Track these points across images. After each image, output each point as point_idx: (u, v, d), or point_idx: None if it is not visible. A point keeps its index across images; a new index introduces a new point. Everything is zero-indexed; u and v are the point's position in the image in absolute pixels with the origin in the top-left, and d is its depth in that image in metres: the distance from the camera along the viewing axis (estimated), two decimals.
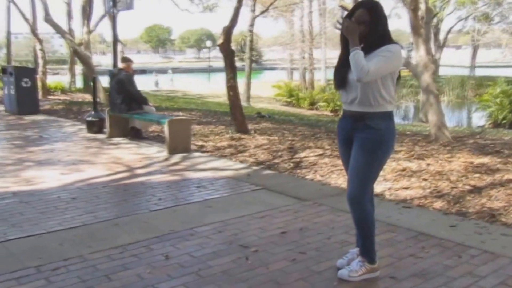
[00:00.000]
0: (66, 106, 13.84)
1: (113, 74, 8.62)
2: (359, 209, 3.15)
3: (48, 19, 14.31)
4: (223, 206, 4.78)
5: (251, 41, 22.01)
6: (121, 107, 8.30)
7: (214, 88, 34.91)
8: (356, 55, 2.90)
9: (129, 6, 9.60)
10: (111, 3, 9.73)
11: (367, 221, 3.18)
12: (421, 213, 4.57)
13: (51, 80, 21.99)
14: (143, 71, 54.89)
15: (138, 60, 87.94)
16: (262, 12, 22.31)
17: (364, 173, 3.10)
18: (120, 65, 8.71)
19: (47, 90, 18.23)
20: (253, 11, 21.10)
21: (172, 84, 39.55)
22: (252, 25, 21.27)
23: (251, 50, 23.12)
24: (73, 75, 24.05)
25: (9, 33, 30.38)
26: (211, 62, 59.55)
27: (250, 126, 9.81)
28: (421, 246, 3.76)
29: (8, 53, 31.22)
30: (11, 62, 32.91)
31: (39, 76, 18.02)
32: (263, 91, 31.40)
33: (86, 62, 14.42)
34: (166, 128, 7.35)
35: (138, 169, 6.41)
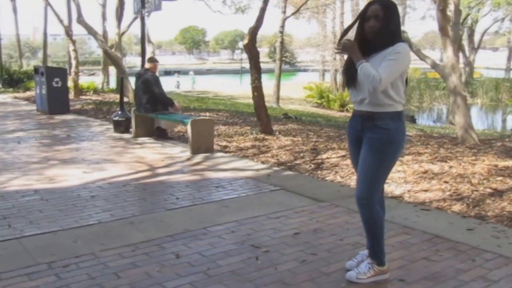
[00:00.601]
0: (96, 106, 14.07)
1: (140, 75, 8.72)
2: (368, 210, 3.10)
3: (80, 20, 14.61)
4: (239, 206, 4.77)
5: (282, 42, 21.95)
6: (146, 107, 8.38)
7: (245, 89, 34.95)
8: (363, 67, 2.90)
9: (157, 7, 9.71)
10: (139, 4, 9.85)
11: (376, 222, 3.14)
12: (439, 216, 4.46)
13: (85, 81, 22.49)
14: (167, 72, 55.56)
15: (173, 61, 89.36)
16: (293, 13, 22.26)
17: (372, 173, 3.05)
18: (147, 65, 8.80)
19: (80, 90, 18.59)
20: (284, 12, 21.04)
21: (194, 85, 39.73)
22: (282, 26, 21.21)
23: (281, 51, 23.05)
24: (106, 75, 24.48)
25: (45, 34, 31.19)
26: (243, 63, 59.72)
27: (275, 127, 9.78)
28: (435, 249, 3.67)
29: (44, 54, 32.06)
30: (47, 62, 33.71)
31: (71, 77, 18.46)
32: (294, 92, 31.31)
33: (116, 63, 14.66)
34: (189, 128, 7.38)
35: (159, 169, 6.46)
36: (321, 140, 8.43)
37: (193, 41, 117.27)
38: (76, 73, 18.27)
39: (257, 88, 8.64)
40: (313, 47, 36.45)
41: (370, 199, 3.09)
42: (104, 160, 6.98)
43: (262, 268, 3.35)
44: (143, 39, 10.04)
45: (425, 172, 5.91)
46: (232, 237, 3.95)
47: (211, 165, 6.63)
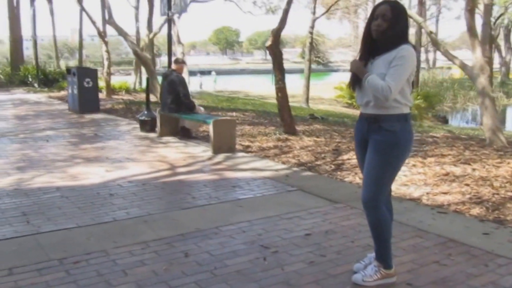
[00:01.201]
0: (125, 106, 14.31)
1: (166, 75, 8.83)
2: (374, 212, 3.07)
3: (111, 21, 14.88)
4: (253, 206, 4.77)
5: (311, 43, 21.85)
6: (170, 107, 8.48)
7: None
8: (370, 80, 2.91)
9: (183, 9, 9.84)
10: (166, 6, 9.97)
11: (382, 224, 3.09)
12: (455, 219, 4.37)
13: (119, 81, 22.88)
14: (192, 73, 55.89)
15: (207, 62, 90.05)
16: (322, 14, 22.15)
17: (378, 175, 3.02)
18: (173, 66, 8.90)
19: (112, 90, 18.94)
20: (314, 13, 20.95)
21: (215, 85, 39.88)
22: (312, 27, 21.11)
23: (310, 52, 22.95)
24: (138, 75, 24.86)
25: (80, 35, 31.94)
26: (269, 64, 59.68)
27: (300, 128, 9.76)
28: (447, 253, 3.60)
29: (80, 54, 32.86)
30: (86, 63, 34.36)
31: (104, 77, 18.83)
32: (325, 92, 31.15)
33: (145, 63, 14.88)
34: (210, 128, 7.43)
35: (180, 168, 6.52)
36: (345, 141, 8.36)
37: (226, 41, 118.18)
38: (108, 73, 18.60)
39: (280, 89, 8.63)
40: (345, 47, 36.18)
41: (376, 201, 3.05)
42: (127, 159, 7.09)
43: (269, 269, 3.35)
44: (170, 40, 10.15)
45: (447, 174, 5.79)
46: (243, 237, 3.96)
47: (231, 165, 6.66)
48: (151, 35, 19.83)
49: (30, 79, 23.87)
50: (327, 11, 22.32)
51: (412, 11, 14.46)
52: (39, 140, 8.70)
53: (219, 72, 53.02)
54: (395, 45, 2.91)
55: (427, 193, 5.15)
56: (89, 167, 6.54)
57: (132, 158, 7.12)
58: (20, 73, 24.84)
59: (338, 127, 10.66)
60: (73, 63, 50.04)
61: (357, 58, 3.11)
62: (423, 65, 39.26)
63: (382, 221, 3.09)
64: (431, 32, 9.93)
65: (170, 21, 10.12)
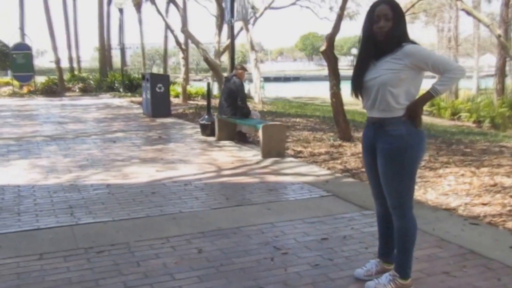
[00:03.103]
0: (196, 111, 14.85)
1: (226, 80, 9.15)
2: (401, 220, 3.01)
3: (184, 30, 15.53)
4: (280, 209, 4.88)
5: None
6: (226, 111, 8.77)
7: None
8: (440, 89, 2.85)
9: (244, 17, 10.11)
10: (229, 14, 10.31)
11: (409, 233, 3.02)
12: (486, 231, 4.22)
13: (196, 87, 23.72)
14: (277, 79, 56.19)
15: (293, 68, 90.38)
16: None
17: (398, 184, 2.96)
18: (234, 72, 9.19)
19: (188, 96, 19.69)
20: None
21: (263, 92, 39.77)
22: None
23: None
24: (215, 81, 25.57)
25: (165, 43, 33.38)
26: None
27: (358, 134, 9.68)
28: (462, 265, 3.51)
29: (165, 61, 34.32)
30: (172, 70, 35.67)
31: (180, 83, 19.62)
32: None
33: (215, 69, 15.38)
34: (260, 133, 7.61)
35: (226, 170, 6.75)
36: None
37: (313, 47, 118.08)
38: (185, 79, 19.37)
39: (335, 94, 8.64)
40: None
41: (403, 209, 3.00)
42: (179, 160, 7.44)
43: (272, 269, 3.46)
44: (233, 47, 10.48)
45: (494, 185, 5.57)
46: (259, 237, 4.09)
47: (276, 169, 6.79)
48: (227, 42, 20.43)
49: (116, 85, 25.35)
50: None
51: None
52: (107, 141, 9.31)
53: (304, 78, 53.10)
54: (399, 44, 2.87)
55: (466, 204, 4.99)
56: (142, 167, 6.95)
57: (185, 160, 7.46)
58: (108, 79, 26.46)
59: None
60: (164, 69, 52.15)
61: (358, 61, 3.09)
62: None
63: (408, 228, 3.02)
64: (499, 36, 9.48)
65: (232, 29, 10.43)
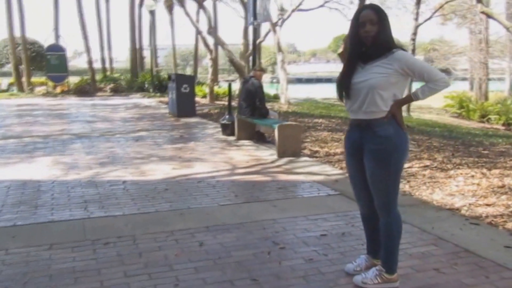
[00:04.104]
0: (221, 111, 15.05)
1: (245, 81, 9.32)
2: (386, 217, 3.12)
3: (211, 31, 15.78)
4: (286, 206, 5.00)
5: (413, 50, 21.15)
6: (245, 111, 8.93)
7: None
8: (421, 94, 2.96)
9: (267, 19, 10.26)
10: (252, 16, 10.48)
11: (393, 229, 3.13)
12: (485, 231, 4.26)
13: (223, 87, 23.96)
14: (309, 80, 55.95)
15: (325, 69, 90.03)
16: (426, 21, 21.34)
17: (385, 183, 3.06)
18: (252, 73, 9.35)
19: (215, 96, 19.95)
20: (416, 19, 20.33)
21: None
22: (414, 33, 20.47)
23: None
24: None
25: (196, 44, 33.74)
26: None
27: None
28: (453, 262, 3.57)
29: (195, 62, 34.71)
30: (198, 71, 36.18)
31: (208, 83, 19.90)
32: (437, 101, 29.89)
33: (240, 71, 15.57)
34: (276, 133, 7.74)
35: (240, 169, 6.90)
36: (416, 149, 8.20)
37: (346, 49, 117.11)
38: (212, 80, 19.62)
39: None
40: (454, 54, 34.28)
41: (389, 206, 3.11)
42: (196, 158, 7.63)
43: (267, 262, 3.59)
44: (254, 48, 10.64)
45: (502, 186, 5.56)
46: (260, 233, 4.22)
47: (289, 168, 6.91)
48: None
49: (146, 85, 25.84)
50: (430, 18, 21.47)
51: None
52: (130, 140, 9.59)
53: (335, 80, 52.64)
54: (388, 49, 2.96)
55: (470, 204, 5.01)
56: (159, 164, 7.16)
57: (202, 158, 7.64)
58: (138, 80, 27.00)
59: (420, 136, 10.40)
60: (199, 70, 52.50)
61: (345, 64, 3.19)
62: None
63: (392, 225, 3.13)
64: None
65: (255, 31, 10.60)
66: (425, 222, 4.46)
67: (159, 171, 6.69)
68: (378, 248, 3.30)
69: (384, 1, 24.67)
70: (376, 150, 3.03)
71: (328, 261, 3.61)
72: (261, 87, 9.02)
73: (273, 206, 5.02)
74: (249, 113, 8.88)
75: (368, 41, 2.98)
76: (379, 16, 2.97)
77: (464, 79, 40.04)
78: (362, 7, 3.04)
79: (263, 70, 9.38)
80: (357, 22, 3.01)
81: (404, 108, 19.68)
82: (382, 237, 3.18)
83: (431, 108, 28.19)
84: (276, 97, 22.61)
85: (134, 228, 4.34)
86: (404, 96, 3.08)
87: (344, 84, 3.13)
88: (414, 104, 26.36)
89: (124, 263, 3.57)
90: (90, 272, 3.42)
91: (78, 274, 3.39)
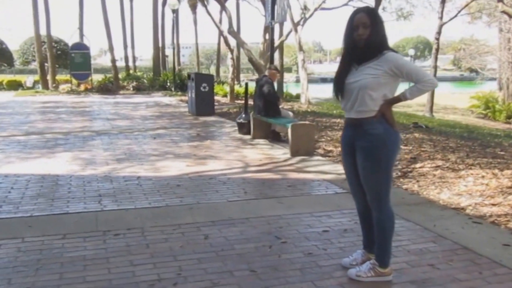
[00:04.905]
0: (239, 110, 15.20)
1: (258, 80, 9.47)
2: (379, 212, 3.24)
3: (231, 31, 15.97)
4: (292, 203, 5.13)
5: (437, 49, 21.05)
6: (259, 110, 9.07)
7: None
8: (410, 94, 3.07)
9: (283, 18, 10.36)
10: (270, 16, 10.61)
11: (385, 224, 3.25)
12: (486, 229, 4.32)
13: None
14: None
15: None
16: (451, 19, 21.20)
17: (376, 179, 3.18)
18: (266, 72, 9.49)
19: (236, 95, 20.15)
20: (441, 18, 20.20)
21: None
22: (439, 32, 20.35)
23: (436, 59, 22.08)
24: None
25: (218, 43, 34.02)
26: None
27: None
28: (450, 259, 3.66)
29: (218, 61, 34.97)
30: (220, 70, 36.39)
31: (228, 82, 20.10)
32: (463, 102, 29.61)
33: (259, 70, 15.69)
34: (289, 132, 7.86)
35: (252, 167, 7.04)
36: (430, 150, 8.23)
37: None
38: (233, 79, 19.82)
39: None
40: (488, 53, 33.79)
41: (380, 202, 3.23)
42: (210, 156, 7.80)
43: (267, 255, 3.72)
44: (272, 48, 10.76)
45: (511, 187, 5.58)
46: (264, 228, 4.36)
47: (301, 167, 7.02)
48: (278, 42, 20.85)
49: (168, 84, 26.20)
50: (455, 16, 21.31)
51: None
52: (148, 137, 9.81)
53: None
54: (380, 51, 3.08)
55: (475, 204, 5.07)
56: (174, 161, 7.35)
57: (216, 156, 7.81)
58: (161, 78, 27.38)
59: (438, 137, 10.38)
60: (221, 69, 52.97)
61: (340, 65, 3.31)
62: None
63: (385, 220, 3.25)
64: None
65: (272, 30, 10.73)
66: (428, 220, 4.54)
67: (173, 168, 6.87)
68: (373, 243, 3.41)
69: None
70: (366, 147, 3.16)
71: (327, 255, 3.73)
72: (272, 84, 9.11)
73: (279, 203, 5.15)
74: (264, 111, 9.01)
75: (361, 43, 3.11)
76: (372, 20, 3.09)
77: (492, 79, 39.42)
78: (357, 10, 3.17)
79: (277, 70, 9.51)
80: (351, 25, 3.14)
81: (426, 109, 19.66)
82: (375, 232, 3.30)
83: (456, 109, 28.01)
84: (298, 97, 22.72)
85: (143, 221, 4.52)
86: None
87: (338, 84, 3.27)
88: (439, 104, 26.28)
89: (131, 253, 3.75)
90: (99, 261, 3.60)
91: (87, 262, 3.58)
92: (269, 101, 8.96)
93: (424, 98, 23.28)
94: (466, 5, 20.79)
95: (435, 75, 22.31)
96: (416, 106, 25.72)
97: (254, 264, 3.55)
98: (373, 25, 3.07)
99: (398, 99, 3.13)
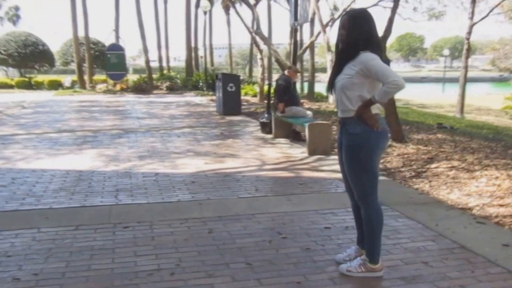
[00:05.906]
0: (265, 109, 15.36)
1: (278, 79, 9.64)
2: (366, 209, 3.37)
3: (258, 32, 16.13)
4: (300, 201, 5.25)
5: (468, 49, 20.67)
6: (277, 109, 9.23)
7: (445, 98, 33.70)
8: (379, 97, 3.10)
9: (306, 20, 10.47)
10: (293, 18, 10.74)
11: (373, 220, 3.36)
12: (489, 230, 4.34)
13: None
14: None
15: None
16: (481, 19, 20.76)
17: (357, 178, 3.32)
18: (286, 72, 9.64)
19: (265, 95, 20.27)
20: (471, 18, 19.84)
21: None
22: (469, 32, 19.98)
23: (466, 59, 21.65)
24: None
25: (251, 44, 34.17)
26: (452, 72, 56.63)
27: (418, 136, 9.71)
28: (445, 257, 3.72)
29: (250, 61, 35.15)
30: (253, 70, 36.60)
31: (258, 83, 20.27)
32: (497, 103, 28.96)
33: (284, 70, 15.79)
34: (306, 131, 7.96)
35: (268, 165, 7.19)
36: (450, 150, 8.19)
37: (409, 48, 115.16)
38: (262, 79, 19.98)
39: None
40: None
41: (366, 199, 3.36)
42: (230, 154, 7.98)
43: (266, 249, 3.87)
44: (296, 48, 10.88)
45: None
46: (268, 224, 4.50)
47: (316, 166, 7.12)
48: (307, 43, 20.97)
49: (200, 84, 26.58)
50: (486, 16, 20.86)
51: None
52: (172, 136, 10.08)
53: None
54: (356, 52, 3.18)
55: (483, 204, 5.08)
56: (194, 159, 7.56)
57: (235, 155, 7.98)
58: (193, 79, 27.79)
59: (461, 138, 10.28)
60: (257, 70, 53.33)
61: (333, 65, 3.44)
62: None
63: (373, 216, 3.36)
64: None
65: (295, 32, 10.85)
66: (431, 220, 4.59)
67: (191, 165, 7.08)
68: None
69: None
70: (347, 146, 3.31)
71: (323, 251, 3.85)
72: (286, 82, 9.22)
73: (288, 200, 5.28)
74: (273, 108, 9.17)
75: (341, 44, 3.28)
76: (350, 21, 3.21)
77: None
78: (345, 13, 3.31)
79: (297, 71, 9.63)
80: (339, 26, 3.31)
81: (457, 109, 19.29)
82: (364, 228, 3.41)
83: (490, 110, 27.37)
84: (328, 97, 22.69)
85: (153, 215, 4.73)
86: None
87: (330, 84, 3.44)
88: (473, 105, 25.77)
89: (137, 245, 3.95)
90: (106, 251, 3.82)
91: (94, 252, 3.80)
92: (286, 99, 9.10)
93: (455, 99, 22.92)
94: (498, 5, 20.33)
95: (465, 75, 21.95)
96: (448, 107, 25.34)
97: (251, 257, 3.70)
98: (349, 26, 3.20)
99: (370, 101, 3.18)
